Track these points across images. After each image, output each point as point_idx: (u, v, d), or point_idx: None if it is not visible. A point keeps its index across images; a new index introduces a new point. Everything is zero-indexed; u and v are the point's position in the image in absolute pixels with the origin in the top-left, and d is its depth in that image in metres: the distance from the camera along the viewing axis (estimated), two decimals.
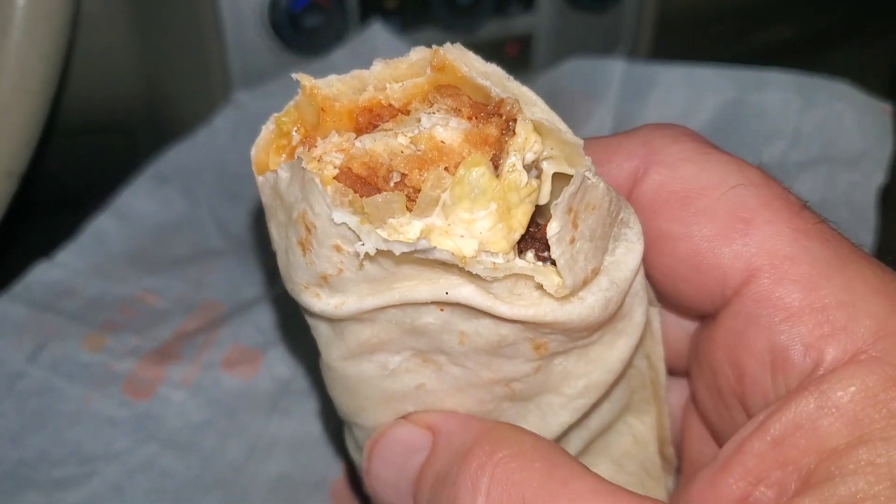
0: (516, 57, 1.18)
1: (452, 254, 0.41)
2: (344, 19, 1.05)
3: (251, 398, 0.82)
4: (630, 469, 0.61)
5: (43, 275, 0.88)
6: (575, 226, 0.43)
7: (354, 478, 0.74)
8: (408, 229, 0.42)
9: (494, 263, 0.42)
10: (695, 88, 0.95)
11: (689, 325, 0.55)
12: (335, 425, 0.59)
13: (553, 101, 1.02)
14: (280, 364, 0.84)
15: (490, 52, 1.17)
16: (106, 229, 0.92)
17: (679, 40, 1.34)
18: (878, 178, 0.87)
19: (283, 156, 0.47)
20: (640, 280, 0.49)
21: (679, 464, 0.61)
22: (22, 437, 0.77)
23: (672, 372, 0.57)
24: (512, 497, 0.42)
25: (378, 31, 1.02)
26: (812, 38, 1.61)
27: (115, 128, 1.14)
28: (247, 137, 1.00)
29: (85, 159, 1.13)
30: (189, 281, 0.91)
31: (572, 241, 0.43)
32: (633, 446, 0.61)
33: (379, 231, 0.41)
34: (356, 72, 0.46)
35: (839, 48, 1.61)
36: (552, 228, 0.42)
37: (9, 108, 0.70)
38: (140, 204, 0.94)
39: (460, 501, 0.44)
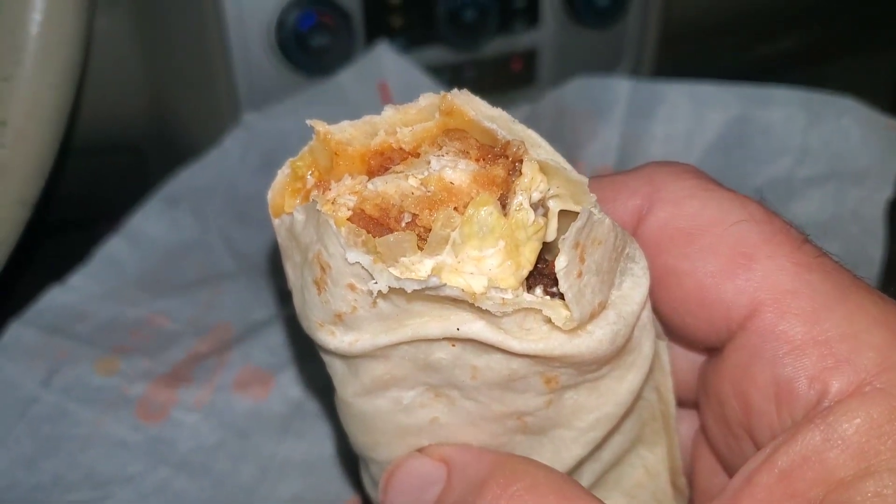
0: (521, 73, 1.19)
1: (462, 290, 0.42)
2: (350, 39, 1.05)
3: (263, 420, 0.82)
4: (642, 500, 0.62)
5: (55, 299, 0.88)
6: (582, 260, 0.43)
7: None
8: (419, 268, 0.43)
9: (503, 299, 0.42)
10: (700, 106, 0.95)
11: (697, 357, 0.56)
12: (347, 451, 0.59)
13: (559, 120, 1.03)
14: (292, 385, 0.84)
15: (495, 68, 1.18)
16: (117, 253, 0.93)
17: (682, 54, 1.35)
18: (886, 192, 0.88)
19: (298, 199, 0.48)
20: (648, 314, 0.50)
21: (690, 494, 0.61)
22: (36, 461, 0.77)
23: (681, 403, 0.58)
24: None
25: (384, 51, 1.03)
26: (815, 50, 1.61)
27: (125, 148, 1.15)
28: (255, 158, 1.01)
29: (96, 180, 1.14)
30: (200, 303, 0.91)
31: (580, 274, 0.43)
32: (645, 477, 0.62)
33: (391, 270, 0.42)
34: (368, 117, 0.48)
35: (842, 60, 1.61)
36: (560, 262, 0.43)
37: (22, 136, 0.70)
38: (151, 227, 0.95)
39: None
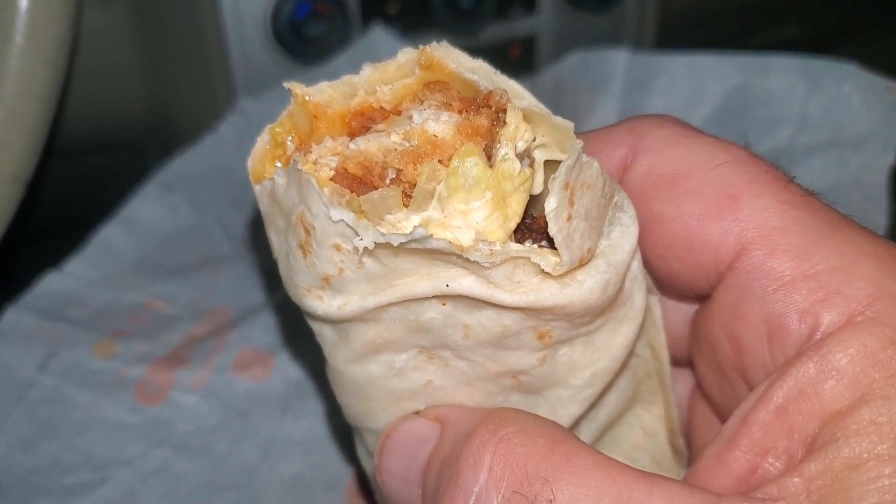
0: (519, 59, 1.18)
1: (450, 242, 0.41)
2: (346, 26, 1.05)
3: (263, 400, 0.81)
4: (642, 463, 0.61)
5: (52, 285, 0.88)
6: (571, 203, 0.43)
7: (365, 486, 0.73)
8: (406, 224, 0.42)
9: (492, 250, 0.42)
10: (699, 77, 0.95)
11: (688, 310, 0.55)
12: (342, 425, 0.59)
13: (557, 95, 1.03)
14: (291, 365, 0.83)
15: (493, 54, 1.18)
16: (114, 238, 0.92)
17: (681, 40, 1.34)
18: (888, 158, 0.86)
19: (279, 164, 0.48)
20: (638, 265, 0.50)
21: (689, 454, 0.60)
22: (34, 444, 0.76)
23: (676, 362, 0.57)
24: (514, 470, 0.42)
25: (380, 36, 1.02)
26: (816, 37, 1.61)
27: (122, 145, 1.15)
28: (251, 144, 1.01)
29: (93, 178, 1.14)
30: (197, 287, 0.91)
31: (569, 218, 0.43)
32: (643, 438, 0.61)
33: (379, 228, 0.41)
34: (346, 77, 0.47)
35: (843, 47, 1.60)
36: (550, 204, 0.42)
37: (13, 113, 0.70)
38: (147, 212, 0.94)
39: (462, 477, 0.43)
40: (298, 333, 0.84)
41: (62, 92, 0.75)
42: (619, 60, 0.97)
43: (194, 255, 0.93)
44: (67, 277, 0.89)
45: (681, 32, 1.34)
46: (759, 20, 1.54)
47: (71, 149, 1.03)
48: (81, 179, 1.13)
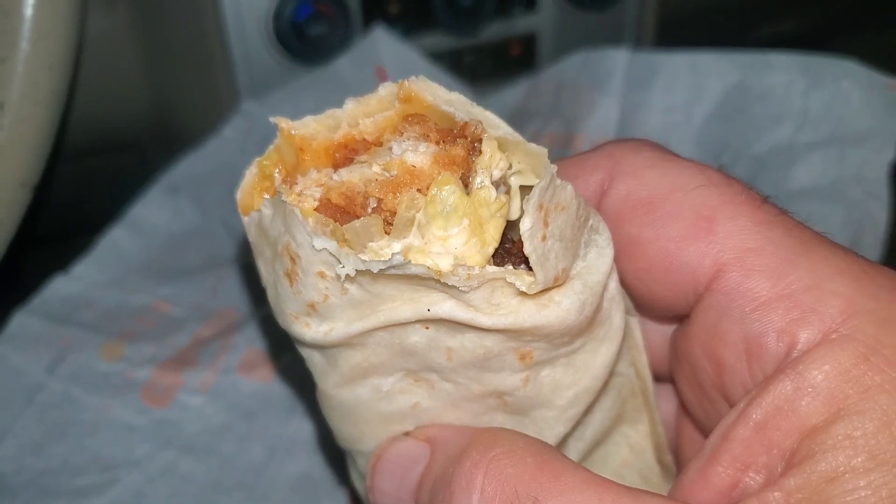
0: (520, 57, 1.19)
1: (428, 268, 0.42)
2: (347, 27, 1.05)
3: (270, 400, 0.82)
4: (630, 480, 0.62)
5: (59, 288, 0.88)
6: (546, 224, 0.44)
7: None
8: (388, 252, 0.44)
9: (469, 273, 0.43)
10: (699, 75, 0.95)
11: (668, 330, 0.56)
12: (335, 448, 0.60)
13: (558, 94, 1.03)
14: (297, 366, 0.84)
15: (493, 53, 1.18)
16: (120, 241, 0.93)
17: (681, 36, 1.34)
18: (889, 154, 0.87)
19: (267, 196, 0.49)
20: (615, 285, 0.51)
21: (678, 469, 0.61)
22: (43, 447, 0.77)
23: (659, 379, 0.58)
24: (505, 491, 0.43)
25: (381, 35, 1.03)
26: (816, 32, 1.61)
27: (126, 147, 1.16)
28: (255, 146, 1.01)
29: (98, 181, 1.14)
30: (203, 289, 0.91)
31: (544, 238, 0.44)
32: (631, 456, 0.62)
33: (361, 255, 0.43)
34: (330, 111, 0.49)
35: (843, 42, 1.60)
36: (524, 224, 0.43)
37: (20, 118, 0.71)
38: (152, 215, 0.95)
39: (456, 498, 0.44)
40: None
41: (68, 98, 0.76)
42: (619, 59, 0.98)
43: (200, 257, 0.94)
44: (74, 281, 0.89)
45: (680, 29, 1.34)
46: (758, 17, 1.54)
47: (76, 152, 1.04)
48: (86, 183, 1.13)
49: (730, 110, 0.93)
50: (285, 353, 0.84)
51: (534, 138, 1.00)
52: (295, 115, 1.01)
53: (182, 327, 0.87)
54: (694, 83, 0.95)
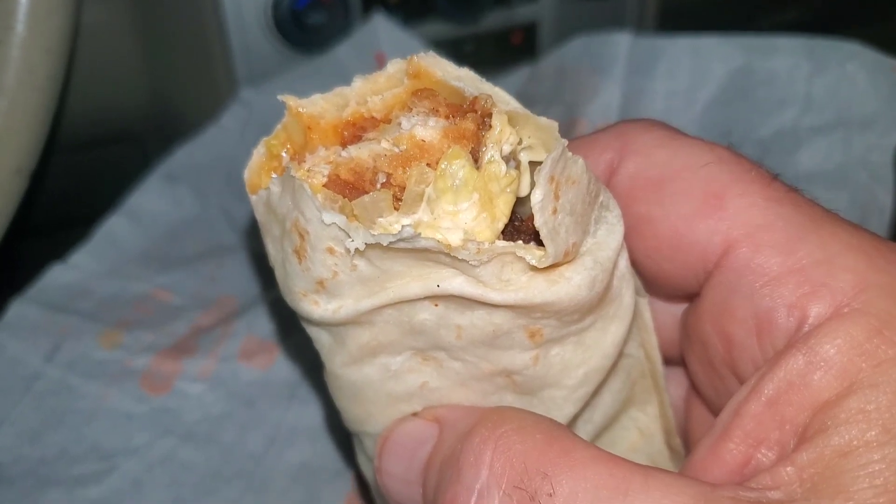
0: (521, 46, 1.18)
1: (438, 241, 0.42)
2: (347, 15, 1.05)
3: (269, 388, 0.81)
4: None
5: (57, 277, 0.88)
6: (556, 197, 0.44)
7: (365, 493, 0.73)
8: (397, 227, 0.43)
9: (479, 248, 0.43)
10: (702, 58, 0.94)
11: (678, 311, 0.56)
12: (342, 430, 0.59)
13: (559, 79, 1.02)
14: (298, 353, 0.83)
15: (494, 41, 1.17)
16: (118, 230, 0.92)
17: (683, 25, 1.34)
18: (894, 137, 0.86)
19: (275, 175, 0.49)
20: (625, 263, 0.51)
21: (686, 454, 0.60)
22: (41, 435, 0.76)
23: (669, 361, 0.58)
24: (514, 466, 0.43)
25: (380, 22, 1.02)
26: (819, 22, 1.60)
27: (124, 136, 1.15)
28: (254, 134, 1.00)
29: (96, 170, 1.14)
30: (202, 277, 0.90)
31: (554, 211, 0.44)
32: (640, 439, 0.62)
33: (369, 230, 0.42)
34: (338, 89, 0.49)
35: (846, 32, 1.59)
36: (535, 196, 0.43)
37: (16, 103, 0.70)
38: (151, 204, 0.94)
39: (464, 475, 0.44)
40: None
41: (64, 83, 0.75)
42: (621, 43, 0.97)
43: (199, 246, 0.93)
44: (73, 269, 0.89)
45: (682, 17, 1.33)
46: (760, 5, 1.53)
47: (73, 142, 1.03)
48: (84, 172, 1.13)
49: (733, 94, 0.92)
50: (287, 339, 0.84)
51: None
52: None
53: (181, 315, 0.87)
54: (697, 67, 0.94)
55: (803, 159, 0.88)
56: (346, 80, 1.04)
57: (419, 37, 1.07)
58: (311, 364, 0.82)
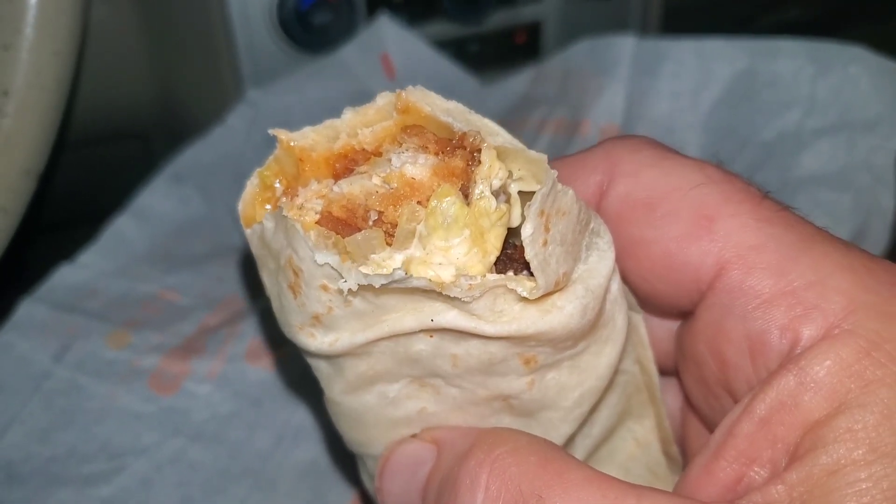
0: (525, 45, 1.19)
1: (430, 280, 0.43)
2: (352, 15, 1.05)
3: (276, 388, 0.82)
4: (637, 472, 0.63)
5: (65, 277, 0.88)
6: (547, 229, 0.44)
7: None
8: (390, 263, 0.44)
9: (470, 284, 0.43)
10: (706, 61, 0.94)
11: (673, 326, 0.57)
12: (342, 453, 0.60)
13: (564, 81, 1.03)
14: (300, 356, 0.84)
15: (499, 41, 1.18)
16: (126, 230, 0.93)
17: (686, 25, 1.34)
18: None
19: (269, 207, 0.49)
20: (618, 287, 0.51)
21: (684, 461, 0.61)
22: (50, 435, 0.77)
23: (665, 373, 0.59)
24: (509, 489, 0.43)
25: (385, 23, 1.02)
26: (822, 20, 1.60)
27: (131, 136, 1.15)
28: (260, 134, 1.01)
29: (103, 169, 1.14)
30: (209, 277, 0.91)
31: (545, 243, 0.44)
32: (637, 449, 0.63)
33: (363, 268, 0.43)
34: (329, 122, 0.49)
35: (849, 31, 1.60)
36: (526, 230, 0.43)
37: (25, 105, 0.70)
38: (158, 204, 0.95)
39: (461, 497, 0.45)
40: None
41: (72, 84, 0.76)
42: (626, 45, 0.97)
43: (206, 246, 0.93)
44: (81, 269, 0.89)
45: (685, 18, 1.33)
46: (763, 5, 1.53)
47: (80, 141, 1.04)
48: (91, 171, 1.13)
49: (737, 97, 0.93)
50: (288, 343, 0.84)
51: (540, 125, 1.00)
52: (300, 102, 1.00)
53: (188, 315, 0.87)
54: (701, 69, 0.95)
55: (807, 161, 0.89)
56: (352, 80, 1.04)
57: (424, 37, 1.07)
58: (310, 370, 0.83)
